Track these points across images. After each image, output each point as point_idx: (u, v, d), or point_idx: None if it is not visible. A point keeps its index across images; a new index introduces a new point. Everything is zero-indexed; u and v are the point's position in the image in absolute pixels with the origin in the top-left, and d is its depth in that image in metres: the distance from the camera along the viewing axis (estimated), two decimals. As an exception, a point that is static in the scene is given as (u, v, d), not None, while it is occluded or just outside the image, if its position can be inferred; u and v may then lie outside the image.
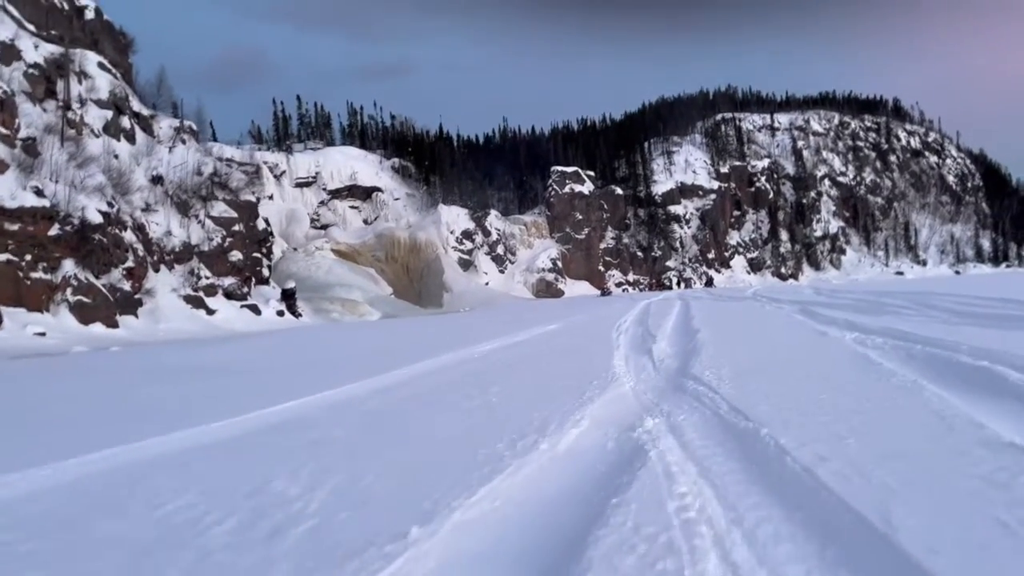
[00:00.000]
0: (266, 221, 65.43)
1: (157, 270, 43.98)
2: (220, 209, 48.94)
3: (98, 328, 36.51)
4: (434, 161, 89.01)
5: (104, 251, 39.09)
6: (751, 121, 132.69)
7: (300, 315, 51.57)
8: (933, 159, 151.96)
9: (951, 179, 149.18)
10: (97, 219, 38.51)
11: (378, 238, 76.77)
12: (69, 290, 36.10)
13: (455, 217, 79.72)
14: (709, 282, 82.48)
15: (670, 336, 12.50)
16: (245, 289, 48.61)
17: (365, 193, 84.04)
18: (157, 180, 46.51)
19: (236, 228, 49.42)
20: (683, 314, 19.19)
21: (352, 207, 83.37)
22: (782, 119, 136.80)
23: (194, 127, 54.66)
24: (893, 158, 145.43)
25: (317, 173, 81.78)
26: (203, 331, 40.07)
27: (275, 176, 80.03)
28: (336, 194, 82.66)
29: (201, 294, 45.21)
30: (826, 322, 14.19)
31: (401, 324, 31.04)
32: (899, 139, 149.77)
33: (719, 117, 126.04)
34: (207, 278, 46.13)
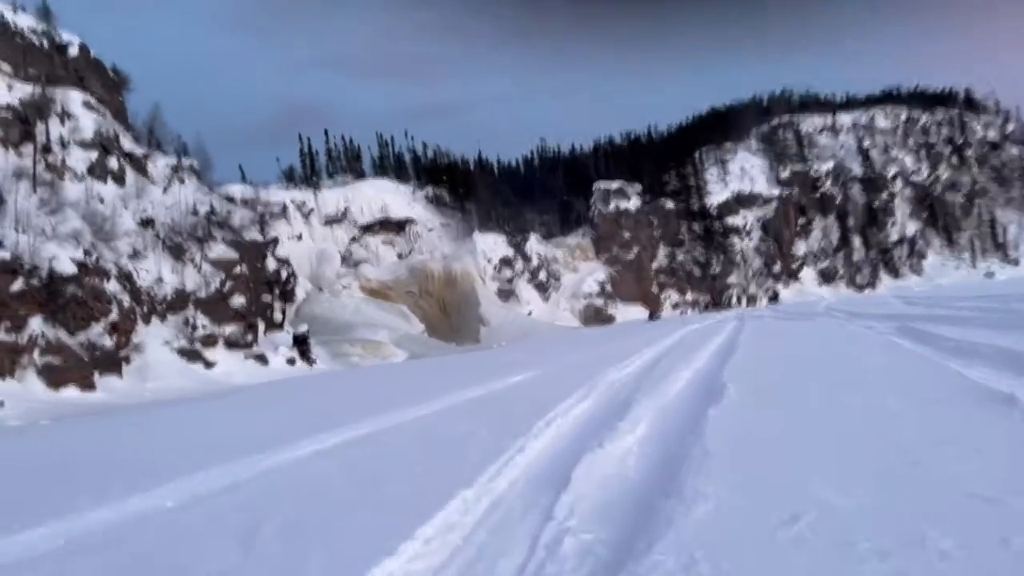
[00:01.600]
0: (282, 261, 61.34)
1: (148, 322, 39.77)
2: (219, 251, 44.63)
3: (71, 392, 32.19)
4: (469, 187, 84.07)
5: (80, 305, 34.84)
6: (811, 123, 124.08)
7: (314, 361, 46.69)
8: (1015, 151, 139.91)
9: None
10: (70, 269, 34.35)
11: (411, 272, 72.09)
12: (36, 351, 31.83)
13: (492, 244, 74.38)
14: (774, 297, 74.13)
15: (662, 412, 6.56)
16: (250, 337, 44.02)
17: (398, 226, 79.65)
18: (147, 223, 42.57)
19: (238, 271, 44.99)
20: (724, 348, 13.10)
21: (385, 242, 79.04)
22: (844, 119, 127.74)
23: (195, 165, 50.75)
24: (970, 152, 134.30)
25: (346, 208, 77.83)
26: (197, 387, 35.57)
27: (303, 215, 76.40)
28: (367, 229, 78.50)
29: (198, 346, 40.87)
30: (966, 355, 7.97)
31: (383, 373, 25.60)
32: (975, 132, 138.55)
33: (775, 122, 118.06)
34: (204, 327, 41.79)
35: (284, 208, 74.92)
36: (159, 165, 47.85)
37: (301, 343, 46.70)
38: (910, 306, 23.73)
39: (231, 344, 42.67)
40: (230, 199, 58.31)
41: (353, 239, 77.80)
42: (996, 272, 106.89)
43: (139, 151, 46.94)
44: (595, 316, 75.06)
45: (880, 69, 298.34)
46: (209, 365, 40.27)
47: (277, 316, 50.50)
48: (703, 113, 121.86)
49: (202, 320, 41.58)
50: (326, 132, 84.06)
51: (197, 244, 43.78)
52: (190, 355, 39.64)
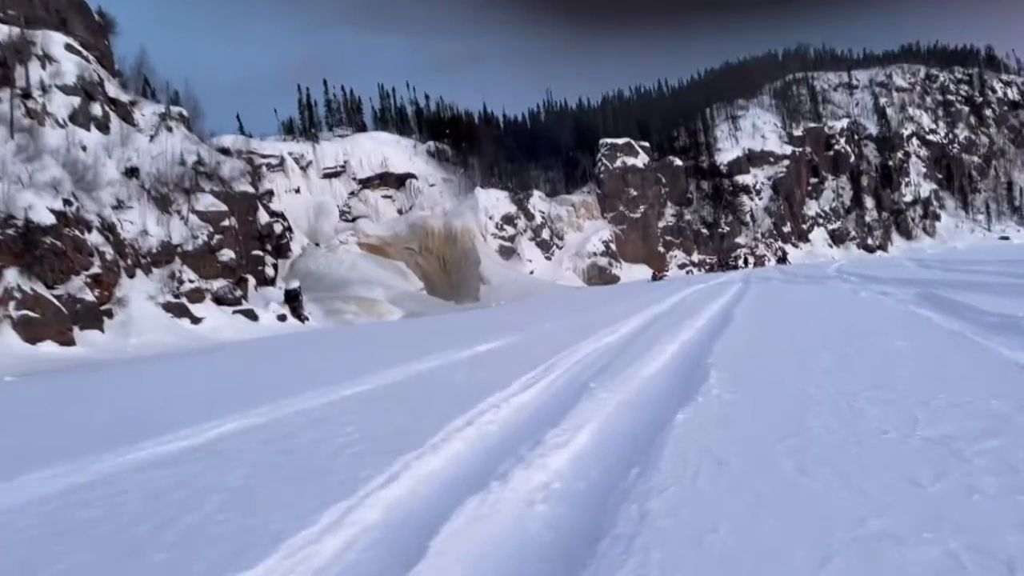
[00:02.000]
0: (277, 214, 59.83)
1: (132, 275, 38.52)
2: (207, 203, 43.07)
3: (49, 347, 31.01)
4: (472, 142, 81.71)
5: (59, 256, 33.50)
6: (826, 80, 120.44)
7: (306, 319, 45.43)
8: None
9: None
10: (48, 219, 32.91)
11: (411, 228, 70.40)
12: (12, 304, 30.57)
13: (494, 201, 72.42)
14: (783, 258, 71.82)
15: (620, 411, 5.02)
16: (239, 292, 42.69)
17: (398, 181, 77.68)
18: (132, 173, 41.02)
19: (227, 223, 43.48)
20: (721, 316, 11.59)
21: (385, 196, 77.16)
22: (860, 76, 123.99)
23: (184, 113, 48.94)
24: (989, 112, 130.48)
25: (346, 162, 75.83)
26: (182, 343, 34.40)
27: (301, 168, 74.52)
28: (367, 183, 76.56)
29: (184, 300, 39.65)
30: (1011, 332, 6.40)
31: (357, 335, 24.13)
32: (994, 91, 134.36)
33: (789, 78, 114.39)
34: (191, 282, 40.48)
35: (281, 161, 73.12)
36: (146, 113, 46.08)
37: (292, 299, 45.36)
38: (927, 270, 22.00)
39: (219, 299, 41.40)
40: (223, 150, 56.59)
41: (352, 193, 75.97)
42: (1011, 236, 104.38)
43: (125, 98, 45.11)
44: (599, 276, 73.38)
45: (899, 25, 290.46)
46: (196, 320, 39.10)
47: (269, 271, 49.10)
48: (716, 68, 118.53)
49: (188, 274, 40.25)
50: (325, 83, 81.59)
51: (184, 195, 42.21)
52: (176, 310, 38.47)
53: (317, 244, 64.89)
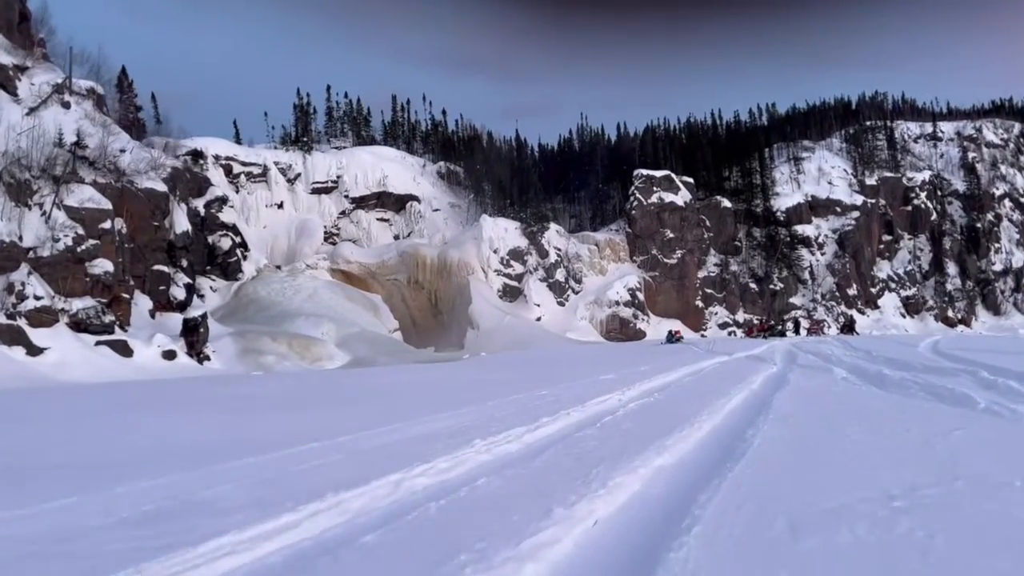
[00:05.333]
0: (226, 227, 49.74)
1: (-47, 284, 28.42)
2: (83, 196, 32.93)
3: None
4: (489, 165, 71.16)
5: None
6: (905, 129, 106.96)
7: (206, 358, 34.64)
8: None
9: None
10: None
11: (401, 257, 59.86)
12: None
13: (502, 232, 61.42)
14: (848, 326, 57.75)
15: None
16: (110, 317, 32.19)
17: (398, 203, 67.53)
18: (-19, 151, 31.24)
19: (107, 225, 33.19)
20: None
21: (381, 219, 67.04)
22: (946, 127, 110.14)
23: (97, 88, 39.39)
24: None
25: (339, 177, 65.96)
26: (2, 383, 23.69)
27: (288, 180, 64.87)
28: (361, 203, 66.55)
29: (22, 323, 29.40)
30: None
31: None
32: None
33: (865, 124, 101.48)
34: (39, 298, 30.20)
35: (264, 170, 63.48)
36: (36, 83, 36.53)
37: (191, 332, 34.73)
38: None
39: (79, 324, 31.09)
40: (195, 153, 47.13)
41: (343, 213, 65.92)
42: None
43: (9, 60, 35.60)
44: (620, 330, 61.28)
45: (985, 82, 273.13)
46: (35, 352, 28.89)
47: (178, 292, 38.69)
48: (777, 109, 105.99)
49: (38, 288, 30.09)
50: (328, 88, 72.32)
51: (52, 184, 32.12)
52: (8, 335, 28.35)
53: (279, 267, 54.57)
